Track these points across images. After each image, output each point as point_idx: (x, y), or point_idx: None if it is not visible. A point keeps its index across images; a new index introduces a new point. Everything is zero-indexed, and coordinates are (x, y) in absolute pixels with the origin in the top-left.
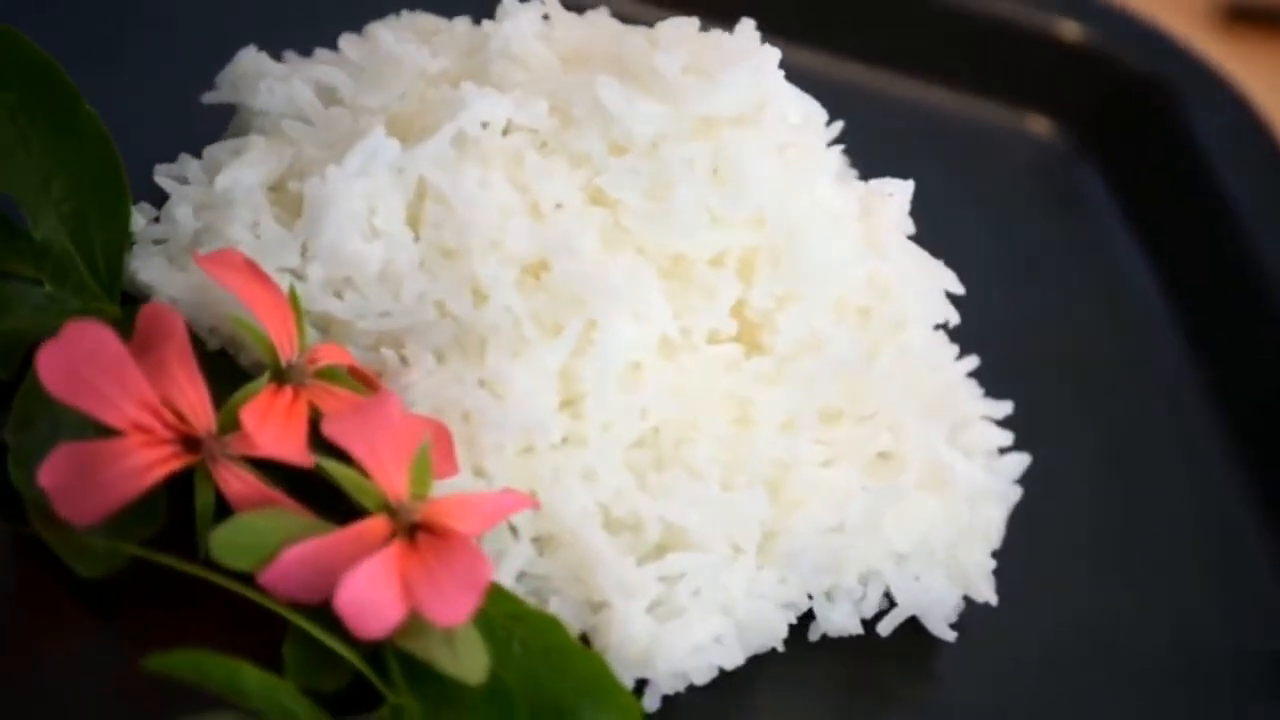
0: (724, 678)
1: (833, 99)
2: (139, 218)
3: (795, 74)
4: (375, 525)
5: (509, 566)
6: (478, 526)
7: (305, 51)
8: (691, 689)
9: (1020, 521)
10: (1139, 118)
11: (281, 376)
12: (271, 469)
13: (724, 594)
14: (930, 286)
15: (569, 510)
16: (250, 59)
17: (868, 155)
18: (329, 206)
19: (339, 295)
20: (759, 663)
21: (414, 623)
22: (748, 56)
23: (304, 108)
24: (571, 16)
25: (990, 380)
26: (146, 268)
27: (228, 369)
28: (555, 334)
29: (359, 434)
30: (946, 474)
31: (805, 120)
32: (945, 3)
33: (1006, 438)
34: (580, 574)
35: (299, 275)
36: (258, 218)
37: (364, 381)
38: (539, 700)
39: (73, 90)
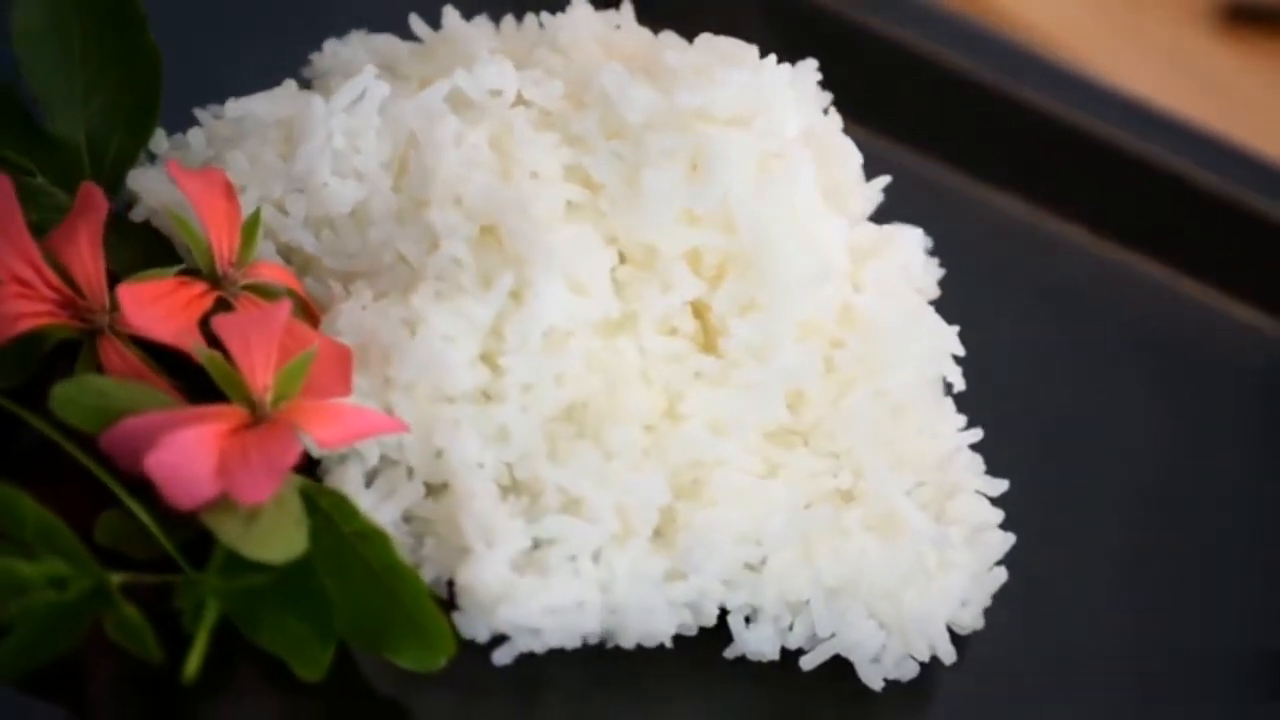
0: (624, 677)
1: (1037, 250)
2: (164, 141)
3: (1020, 229)
4: (228, 411)
5: (395, 505)
6: (335, 436)
7: None
8: (582, 680)
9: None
10: None
11: (213, 280)
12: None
13: (605, 570)
14: (922, 339)
15: (462, 459)
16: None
17: (1065, 312)
18: (307, 136)
19: (316, 233)
20: (675, 674)
21: (227, 502)
22: (751, 62)
23: (355, 69)
24: (643, 31)
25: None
26: (139, 176)
27: None
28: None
29: (239, 330)
30: (900, 523)
31: (806, 137)
32: (1172, 174)
33: (995, 515)
34: (455, 520)
35: (281, 208)
36: (261, 150)
37: (303, 306)
38: (361, 615)
39: (141, 20)
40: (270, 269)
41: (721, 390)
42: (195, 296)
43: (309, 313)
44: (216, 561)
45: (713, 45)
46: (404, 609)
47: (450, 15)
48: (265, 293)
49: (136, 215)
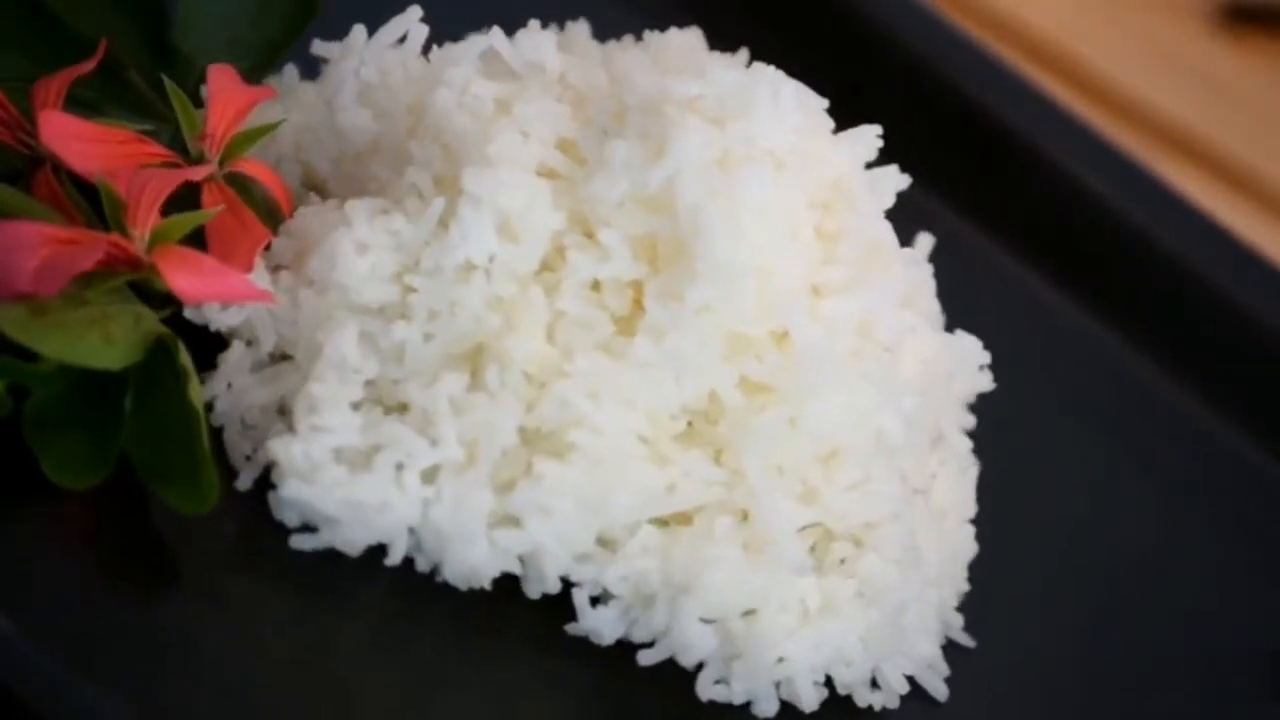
0: (442, 617)
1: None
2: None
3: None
4: (103, 236)
5: (273, 390)
6: (194, 289)
7: None
8: (396, 605)
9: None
10: None
11: (197, 159)
12: None
13: (431, 490)
14: (857, 387)
15: (332, 355)
16: None
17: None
18: (340, 61)
19: (338, 165)
20: (502, 630)
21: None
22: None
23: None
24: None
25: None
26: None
27: None
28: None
29: (142, 175)
30: (770, 550)
31: (793, 149)
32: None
33: (901, 584)
34: None
35: (317, 135)
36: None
37: (279, 206)
38: (153, 449)
39: None
40: (254, 166)
41: (614, 361)
42: (140, 151)
43: (283, 210)
44: (48, 369)
45: (757, 68)
46: (190, 452)
47: (582, 27)
48: (238, 185)
49: None
